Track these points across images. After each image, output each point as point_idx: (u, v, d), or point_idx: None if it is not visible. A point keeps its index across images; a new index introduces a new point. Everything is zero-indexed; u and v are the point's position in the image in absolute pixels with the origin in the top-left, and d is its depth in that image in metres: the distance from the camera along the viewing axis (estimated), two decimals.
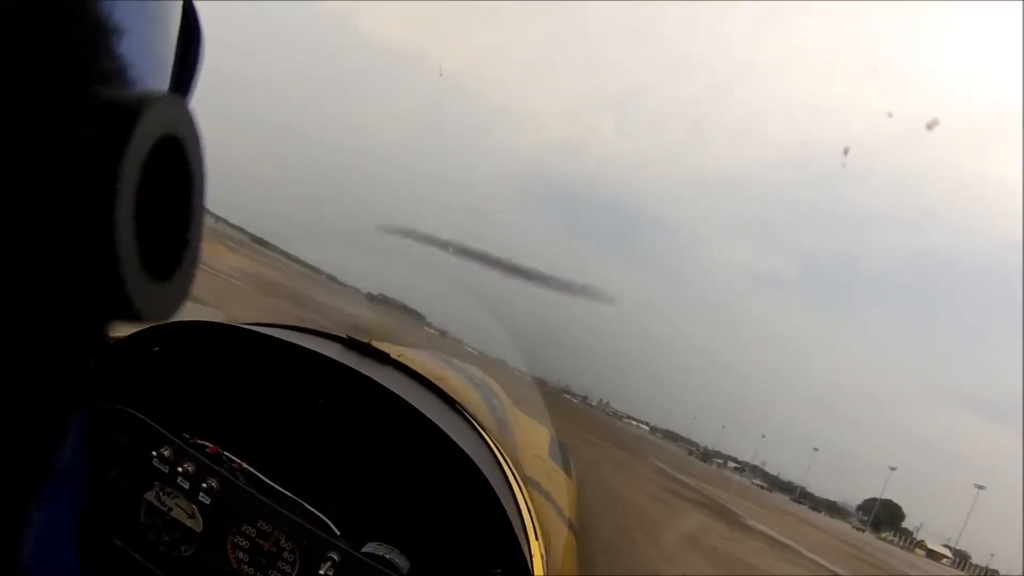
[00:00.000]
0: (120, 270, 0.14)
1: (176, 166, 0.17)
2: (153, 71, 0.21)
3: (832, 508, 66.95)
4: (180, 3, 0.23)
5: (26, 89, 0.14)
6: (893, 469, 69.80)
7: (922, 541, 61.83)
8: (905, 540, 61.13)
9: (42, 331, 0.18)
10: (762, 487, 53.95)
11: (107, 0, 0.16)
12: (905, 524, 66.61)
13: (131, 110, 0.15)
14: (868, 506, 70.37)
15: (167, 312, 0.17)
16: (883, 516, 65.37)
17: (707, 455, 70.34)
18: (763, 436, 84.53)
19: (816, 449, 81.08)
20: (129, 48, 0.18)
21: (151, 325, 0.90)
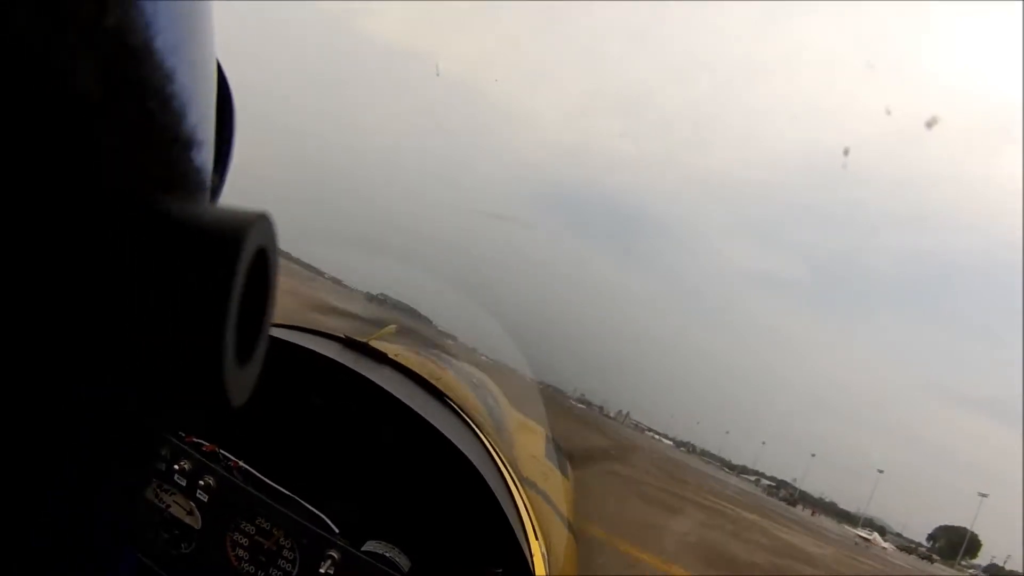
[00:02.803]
0: (224, 376, 0.16)
1: (261, 271, 0.18)
2: (211, 165, 0.23)
3: (882, 532, 57.22)
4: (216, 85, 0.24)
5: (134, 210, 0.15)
6: (984, 496, 59.62)
7: None
8: None
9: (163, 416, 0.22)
10: (865, 539, 41.63)
11: (191, 117, 0.18)
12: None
13: (237, 235, 0.16)
14: (942, 535, 62.59)
15: (246, 393, 0.18)
16: (956, 546, 58.05)
17: (794, 498, 59.28)
18: (813, 455, 76.63)
19: (881, 471, 70.82)
20: (206, 156, 0.20)
21: None
